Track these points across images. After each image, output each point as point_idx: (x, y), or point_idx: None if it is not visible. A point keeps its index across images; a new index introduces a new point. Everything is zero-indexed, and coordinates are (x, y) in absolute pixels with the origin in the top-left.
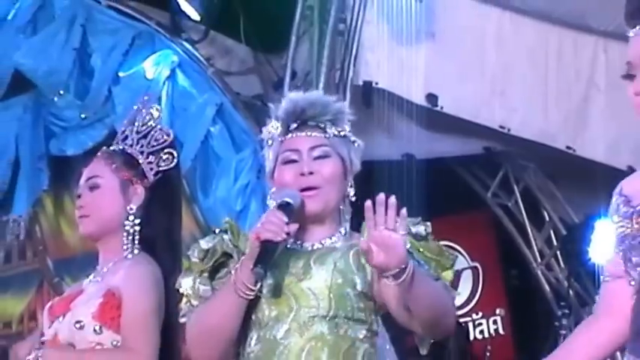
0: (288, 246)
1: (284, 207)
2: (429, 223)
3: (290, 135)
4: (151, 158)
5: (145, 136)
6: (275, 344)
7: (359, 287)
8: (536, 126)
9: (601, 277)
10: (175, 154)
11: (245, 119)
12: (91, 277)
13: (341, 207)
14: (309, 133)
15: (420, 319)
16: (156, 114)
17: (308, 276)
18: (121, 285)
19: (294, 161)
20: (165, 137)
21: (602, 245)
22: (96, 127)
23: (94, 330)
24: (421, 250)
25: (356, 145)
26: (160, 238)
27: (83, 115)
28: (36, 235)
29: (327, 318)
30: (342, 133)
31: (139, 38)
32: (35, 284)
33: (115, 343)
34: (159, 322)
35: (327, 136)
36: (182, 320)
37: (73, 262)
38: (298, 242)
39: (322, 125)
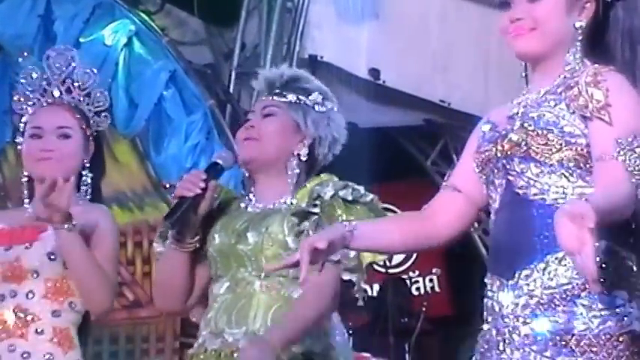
0: (244, 207)
1: (211, 166)
2: (360, 187)
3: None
4: (95, 118)
5: (88, 95)
6: (216, 299)
7: (292, 246)
8: (477, 101)
9: (443, 184)
10: (109, 118)
11: (196, 85)
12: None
13: (290, 165)
14: (267, 98)
15: None
16: (94, 76)
17: (244, 238)
18: (89, 225)
19: (248, 119)
20: (105, 100)
21: None
22: None
23: (64, 263)
24: (330, 212)
25: (317, 109)
26: (93, 188)
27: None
28: None
29: (261, 277)
30: (300, 100)
31: (100, 8)
32: None
33: None
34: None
35: (284, 100)
36: None
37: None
38: (252, 202)
39: (284, 92)
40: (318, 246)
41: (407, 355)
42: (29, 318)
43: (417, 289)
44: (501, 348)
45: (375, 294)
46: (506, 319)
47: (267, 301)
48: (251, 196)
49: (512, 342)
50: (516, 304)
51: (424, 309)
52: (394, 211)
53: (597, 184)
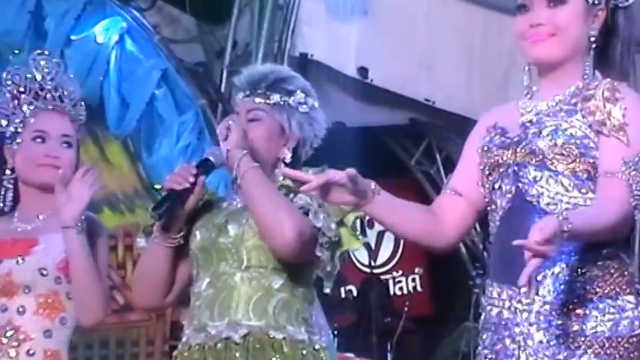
0: (226, 205)
1: (202, 162)
2: None
3: (239, 100)
4: (80, 129)
5: (74, 106)
6: (198, 296)
7: None
8: (460, 100)
9: (444, 188)
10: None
11: (188, 84)
12: (40, 221)
13: (276, 170)
14: (250, 99)
15: None
16: (77, 86)
17: (224, 231)
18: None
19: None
20: (84, 113)
21: None
22: None
23: (55, 279)
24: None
25: (300, 110)
26: None
27: None
28: None
29: (242, 269)
30: (284, 101)
31: (91, 4)
32: None
33: (68, 293)
34: None
35: (268, 102)
36: None
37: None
38: (234, 202)
39: (268, 93)
40: (337, 180)
41: (389, 355)
42: (21, 337)
43: (400, 288)
44: (516, 355)
45: (356, 294)
46: (521, 327)
47: (248, 291)
48: (233, 195)
49: (526, 348)
50: (530, 312)
51: (406, 309)
52: None
53: (595, 200)
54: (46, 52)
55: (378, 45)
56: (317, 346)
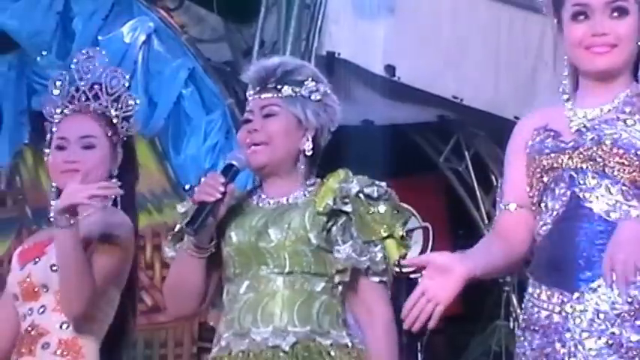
0: (256, 203)
1: (227, 168)
2: (383, 184)
3: (251, 97)
4: (124, 123)
5: (116, 100)
6: (237, 299)
7: (314, 242)
8: (487, 97)
9: (500, 203)
10: (139, 123)
11: (215, 83)
12: None
13: (299, 163)
14: (262, 95)
15: None
16: (124, 80)
17: (265, 235)
18: (96, 234)
19: (248, 121)
20: (134, 103)
21: None
22: None
23: None
24: (362, 212)
25: (313, 98)
26: (126, 195)
27: None
28: (16, 185)
29: (284, 274)
30: (296, 92)
31: (118, 5)
32: (15, 230)
33: None
34: (123, 272)
35: (280, 95)
36: None
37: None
38: (263, 198)
39: (279, 87)
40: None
41: (419, 354)
42: (39, 333)
43: None
44: None
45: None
46: (572, 333)
47: (291, 296)
48: (260, 191)
49: (576, 354)
50: (582, 318)
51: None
52: (407, 208)
53: None
54: (89, 50)
55: (405, 43)
56: (361, 347)
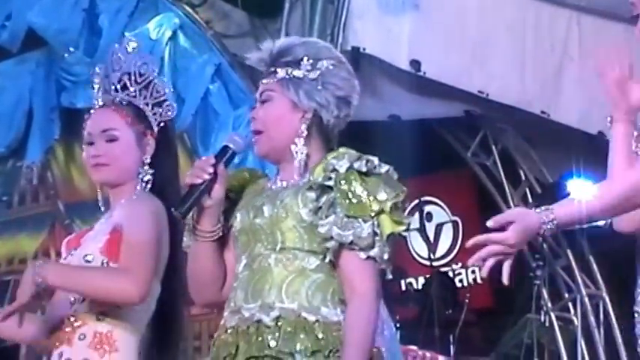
0: (269, 187)
1: (222, 151)
2: (374, 158)
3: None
4: (156, 110)
5: (145, 87)
6: (235, 278)
7: (306, 218)
8: (514, 92)
9: None
10: (174, 105)
11: (242, 79)
12: (102, 219)
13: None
14: (263, 81)
15: None
16: (152, 65)
17: (259, 212)
18: (124, 219)
19: (253, 108)
20: (165, 89)
21: None
22: None
23: (102, 263)
24: (351, 188)
25: (309, 77)
26: (168, 183)
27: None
28: (48, 180)
29: (276, 251)
30: (290, 74)
31: (144, 1)
32: (48, 225)
33: None
34: (159, 252)
35: (276, 79)
36: None
37: (82, 206)
38: (278, 182)
39: (275, 70)
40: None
41: (452, 347)
42: (77, 324)
43: (460, 281)
44: None
45: (420, 287)
46: None
47: (282, 273)
48: (277, 176)
49: None
50: None
51: (467, 301)
52: (435, 203)
53: None
54: (126, 39)
55: (430, 38)
56: None
